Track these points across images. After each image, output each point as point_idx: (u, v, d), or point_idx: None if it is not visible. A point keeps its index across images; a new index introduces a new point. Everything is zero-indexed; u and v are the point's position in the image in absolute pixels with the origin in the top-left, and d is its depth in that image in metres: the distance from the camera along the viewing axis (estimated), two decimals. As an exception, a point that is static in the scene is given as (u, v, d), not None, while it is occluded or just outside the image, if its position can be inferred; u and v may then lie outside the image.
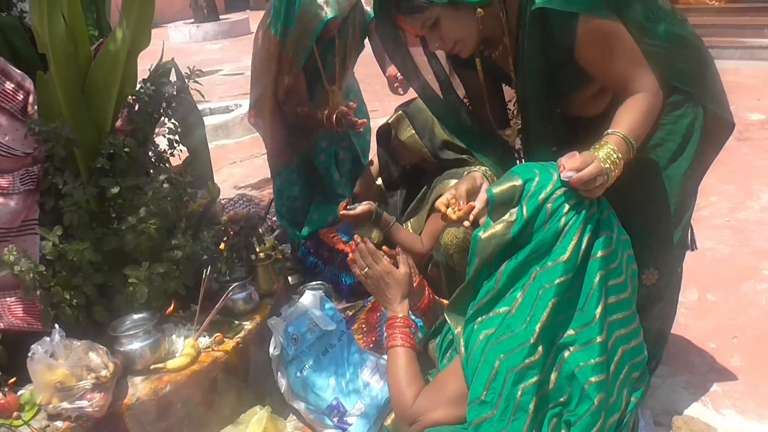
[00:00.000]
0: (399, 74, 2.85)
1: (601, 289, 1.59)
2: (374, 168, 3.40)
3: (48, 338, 1.98)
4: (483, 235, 1.65)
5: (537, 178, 1.64)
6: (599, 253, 1.60)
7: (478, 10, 1.81)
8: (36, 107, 2.23)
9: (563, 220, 1.59)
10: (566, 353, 1.59)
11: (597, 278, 1.59)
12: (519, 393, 1.55)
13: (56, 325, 2.03)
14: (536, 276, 1.59)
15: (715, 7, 9.10)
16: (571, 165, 1.61)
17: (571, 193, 1.61)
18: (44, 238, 2.18)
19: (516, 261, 1.62)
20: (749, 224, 3.74)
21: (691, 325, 2.84)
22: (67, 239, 2.22)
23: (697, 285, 3.11)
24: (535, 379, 1.55)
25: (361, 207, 2.75)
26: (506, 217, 1.63)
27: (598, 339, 1.58)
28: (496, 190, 1.65)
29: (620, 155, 1.71)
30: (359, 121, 3.13)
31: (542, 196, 1.61)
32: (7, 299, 2.17)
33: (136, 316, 2.25)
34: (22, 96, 2.21)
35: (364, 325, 2.82)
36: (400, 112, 2.91)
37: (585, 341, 1.58)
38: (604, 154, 1.69)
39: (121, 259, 2.31)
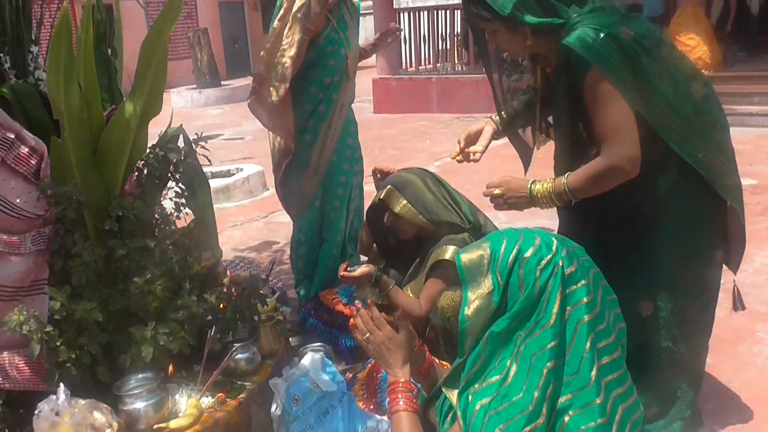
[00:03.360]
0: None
1: (593, 352, 1.60)
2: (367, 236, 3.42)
3: (54, 396, 2.01)
4: (468, 311, 1.66)
5: (504, 244, 1.66)
6: (585, 318, 1.60)
7: (529, 36, 2.18)
8: (49, 171, 2.31)
9: (539, 283, 1.60)
10: (566, 418, 1.58)
11: (588, 344, 1.59)
12: None
13: (61, 384, 2.06)
14: (526, 344, 1.60)
15: (706, 75, 9.33)
16: (491, 182, 2.26)
17: (544, 253, 1.63)
18: (53, 298, 2.23)
19: (499, 328, 1.62)
20: (744, 287, 3.75)
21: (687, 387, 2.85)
22: (75, 299, 2.27)
23: (694, 347, 3.13)
24: None
25: (361, 269, 2.79)
26: (482, 289, 1.65)
27: (597, 401, 1.59)
28: (465, 258, 1.69)
29: (554, 196, 2.20)
30: None
31: (510, 259, 1.63)
32: (15, 358, 2.20)
33: (140, 376, 2.28)
34: (35, 160, 2.29)
35: (364, 388, 2.83)
36: (389, 186, 2.94)
37: (584, 404, 1.58)
38: (537, 188, 2.23)
39: (127, 318, 2.35)
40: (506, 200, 2.29)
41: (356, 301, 2.10)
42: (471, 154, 2.57)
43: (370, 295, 2.99)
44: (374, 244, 3.42)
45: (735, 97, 8.36)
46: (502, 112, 2.63)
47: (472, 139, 2.61)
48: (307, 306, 3.49)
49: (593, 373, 1.59)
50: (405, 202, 2.87)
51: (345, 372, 3.03)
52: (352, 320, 2.03)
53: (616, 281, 1.76)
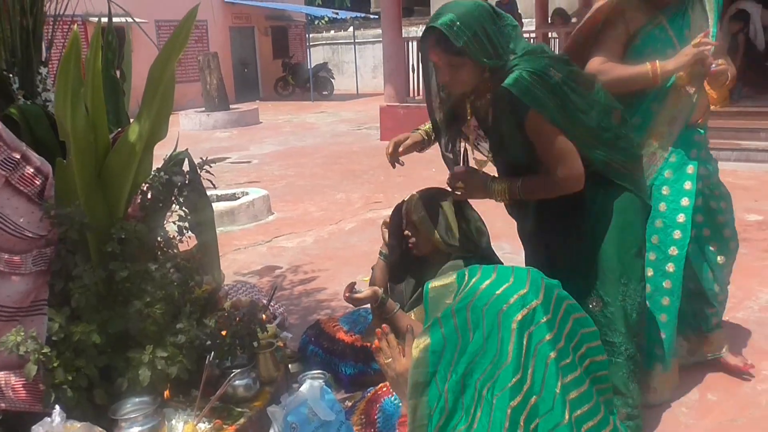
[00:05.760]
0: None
1: (563, 397, 1.58)
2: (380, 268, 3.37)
3: (49, 419, 2.00)
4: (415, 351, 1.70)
5: (469, 282, 1.65)
6: (552, 355, 1.57)
7: (486, 72, 2.40)
8: (53, 192, 2.32)
9: (485, 322, 1.59)
10: None
11: (558, 381, 1.57)
12: None
13: (57, 407, 2.05)
14: (487, 387, 1.57)
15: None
16: (456, 174, 2.66)
17: (491, 293, 1.61)
18: (51, 319, 2.22)
19: (456, 376, 1.61)
20: (748, 324, 3.75)
21: (692, 425, 2.82)
22: (74, 321, 2.26)
23: (698, 385, 3.11)
24: None
25: (366, 292, 2.78)
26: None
27: None
28: (433, 285, 1.72)
29: (507, 194, 2.54)
30: None
31: (471, 302, 1.62)
32: (12, 378, 2.19)
33: (136, 400, 2.27)
34: (40, 181, 2.30)
35: (363, 417, 2.81)
36: (416, 193, 2.97)
37: None
38: (496, 187, 2.56)
39: (125, 341, 2.35)
40: (466, 193, 2.70)
41: (384, 325, 2.09)
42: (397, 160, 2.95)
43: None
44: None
45: (740, 132, 8.36)
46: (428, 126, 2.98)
47: (400, 145, 2.96)
48: (307, 333, 3.47)
49: (566, 411, 1.56)
50: (424, 213, 2.88)
51: (344, 400, 3.00)
52: (377, 342, 2.02)
53: (565, 276, 1.93)
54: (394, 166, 2.97)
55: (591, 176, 2.49)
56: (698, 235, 2.99)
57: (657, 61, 2.75)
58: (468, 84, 2.45)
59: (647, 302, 2.79)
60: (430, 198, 2.93)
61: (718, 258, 3.07)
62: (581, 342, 1.67)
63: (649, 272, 2.86)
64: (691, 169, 2.88)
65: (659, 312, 2.87)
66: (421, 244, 2.96)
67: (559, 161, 2.42)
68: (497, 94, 2.40)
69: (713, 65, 2.72)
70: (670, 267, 2.85)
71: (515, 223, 2.95)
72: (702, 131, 3.00)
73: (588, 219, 2.61)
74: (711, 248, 3.05)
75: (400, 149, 2.94)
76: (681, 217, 2.84)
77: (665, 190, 2.89)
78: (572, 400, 1.59)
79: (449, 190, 3.08)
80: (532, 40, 10.63)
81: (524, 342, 1.57)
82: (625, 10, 2.81)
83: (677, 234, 2.85)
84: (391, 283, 3.23)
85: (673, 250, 2.84)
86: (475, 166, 2.81)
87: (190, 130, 14.34)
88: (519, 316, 1.57)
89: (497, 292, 1.60)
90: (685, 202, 2.85)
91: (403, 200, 3.03)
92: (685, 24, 2.80)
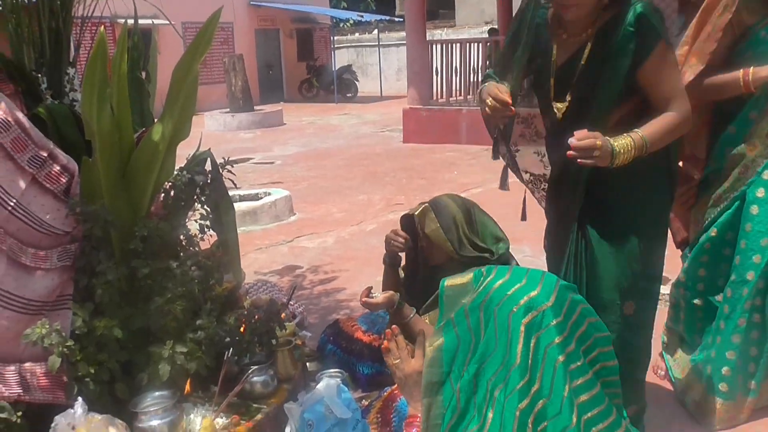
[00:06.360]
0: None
1: (571, 391, 1.59)
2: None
3: (71, 410, 2.05)
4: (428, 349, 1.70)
5: (485, 282, 1.67)
6: (560, 358, 1.57)
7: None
8: (78, 189, 2.37)
9: (496, 322, 1.60)
10: None
11: (567, 384, 1.58)
12: None
13: (79, 398, 2.10)
14: (499, 388, 1.59)
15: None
16: (578, 134, 2.10)
17: (503, 293, 1.62)
18: (75, 314, 2.28)
19: (469, 376, 1.63)
20: None
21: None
22: (97, 316, 2.32)
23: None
24: None
25: (383, 296, 2.80)
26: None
27: None
28: (449, 282, 1.72)
29: (633, 150, 2.18)
30: None
31: (483, 302, 1.64)
32: (37, 369, 2.25)
33: (156, 394, 2.31)
34: (66, 178, 2.36)
35: (378, 416, 2.83)
36: (426, 204, 2.97)
37: None
38: (620, 143, 2.17)
39: (146, 337, 2.40)
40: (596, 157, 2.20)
41: (393, 326, 2.11)
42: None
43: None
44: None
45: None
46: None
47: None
48: (326, 332, 3.50)
49: (574, 414, 1.57)
50: (437, 225, 2.89)
51: (361, 399, 3.03)
52: (386, 342, 2.04)
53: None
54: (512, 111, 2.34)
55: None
56: None
57: (753, 66, 2.53)
58: (589, 5, 2.26)
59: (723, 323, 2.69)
60: (442, 208, 2.94)
61: None
62: (594, 345, 1.67)
63: (728, 293, 2.71)
64: None
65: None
66: (436, 254, 2.98)
67: (683, 95, 2.33)
68: (615, 25, 2.26)
69: None
70: (744, 291, 2.65)
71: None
72: None
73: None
74: None
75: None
76: (765, 241, 2.61)
77: (754, 209, 2.64)
78: (582, 403, 1.59)
79: (459, 197, 3.07)
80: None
81: (532, 344, 1.58)
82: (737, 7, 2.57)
83: (757, 258, 2.62)
84: (408, 291, 3.24)
85: (750, 275, 2.63)
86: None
87: (214, 130, 14.48)
88: (527, 318, 1.58)
89: (509, 292, 1.62)
90: None
91: (413, 211, 2.99)
92: None
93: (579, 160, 2.14)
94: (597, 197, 2.43)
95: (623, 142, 2.20)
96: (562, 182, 2.54)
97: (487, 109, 2.32)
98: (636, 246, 2.43)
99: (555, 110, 2.43)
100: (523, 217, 2.83)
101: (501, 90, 2.28)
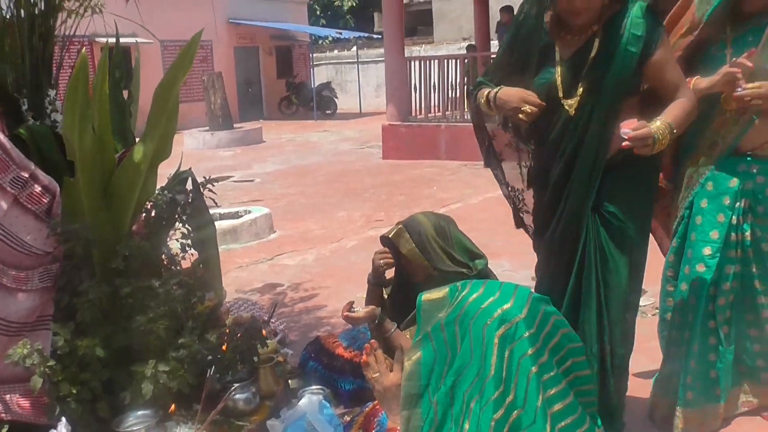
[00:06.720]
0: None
1: (544, 401, 1.61)
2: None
3: (54, 430, 2.05)
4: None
5: (460, 296, 1.70)
6: (533, 369, 1.60)
7: None
8: (60, 210, 2.38)
9: (471, 335, 1.64)
10: None
11: (540, 394, 1.60)
12: None
13: (63, 418, 2.10)
14: (475, 399, 1.62)
15: None
16: (629, 125, 2.16)
17: (477, 307, 1.66)
18: (56, 334, 2.28)
19: (445, 388, 1.66)
20: None
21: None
22: (79, 335, 2.32)
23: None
24: None
25: (365, 311, 2.83)
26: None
27: None
28: (426, 297, 1.76)
29: (668, 135, 2.25)
30: None
31: (459, 315, 1.67)
32: (16, 392, 2.25)
33: (139, 413, 2.32)
34: (47, 199, 2.37)
35: (361, 431, 2.85)
36: (401, 225, 2.99)
37: None
38: (656, 127, 2.22)
39: (128, 355, 2.40)
40: (648, 145, 2.24)
41: (372, 340, 2.14)
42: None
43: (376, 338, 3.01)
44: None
45: None
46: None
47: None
48: (307, 349, 3.51)
49: (548, 423, 1.60)
50: (412, 246, 2.93)
51: (343, 415, 3.04)
52: (365, 357, 2.06)
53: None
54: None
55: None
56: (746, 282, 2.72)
57: (696, 77, 2.58)
58: (597, 8, 2.34)
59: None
60: (416, 227, 2.96)
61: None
62: (567, 356, 1.71)
63: (680, 303, 2.75)
64: (727, 200, 2.63)
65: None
66: (417, 272, 3.02)
67: (687, 83, 2.47)
68: (622, 17, 2.37)
69: (739, 89, 2.45)
70: (692, 299, 2.69)
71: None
72: (750, 160, 2.63)
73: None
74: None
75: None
76: (707, 250, 2.64)
77: (698, 219, 2.68)
78: (555, 412, 1.62)
79: (433, 214, 3.12)
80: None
81: (506, 356, 1.61)
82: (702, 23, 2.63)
83: (700, 267, 2.65)
84: (393, 307, 3.26)
85: (696, 284, 2.66)
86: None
87: (194, 149, 14.43)
88: (501, 331, 1.61)
89: (483, 305, 1.65)
90: (714, 235, 2.63)
91: (388, 233, 3.02)
92: (755, 43, 2.52)
93: (635, 150, 2.20)
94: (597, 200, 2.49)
95: (659, 126, 2.24)
96: (569, 181, 2.48)
97: (522, 116, 2.38)
98: (637, 257, 2.55)
99: (566, 107, 2.45)
100: (517, 225, 2.90)
101: (527, 92, 2.39)
